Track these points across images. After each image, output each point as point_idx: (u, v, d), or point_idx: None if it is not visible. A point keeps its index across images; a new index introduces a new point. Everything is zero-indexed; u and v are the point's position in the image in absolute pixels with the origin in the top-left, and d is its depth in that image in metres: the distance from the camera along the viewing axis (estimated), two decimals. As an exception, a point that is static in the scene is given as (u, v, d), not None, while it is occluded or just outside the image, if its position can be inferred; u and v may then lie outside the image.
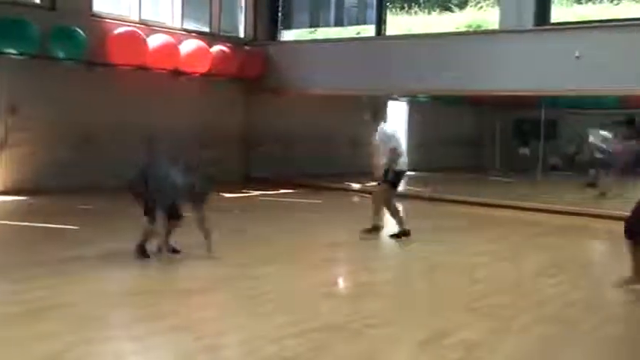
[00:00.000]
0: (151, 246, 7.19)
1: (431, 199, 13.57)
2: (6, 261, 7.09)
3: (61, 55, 12.04)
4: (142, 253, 7.07)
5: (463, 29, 15.57)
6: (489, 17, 15.30)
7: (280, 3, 16.47)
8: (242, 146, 15.83)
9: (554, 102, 18.48)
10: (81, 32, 12.16)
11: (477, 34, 14.62)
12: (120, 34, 12.87)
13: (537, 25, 12.81)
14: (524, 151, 22.24)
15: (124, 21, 13.36)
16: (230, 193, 13.19)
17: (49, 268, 6.65)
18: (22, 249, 7.72)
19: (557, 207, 12.17)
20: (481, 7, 16.07)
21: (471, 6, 16.32)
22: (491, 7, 15.44)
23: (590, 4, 14.55)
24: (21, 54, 11.52)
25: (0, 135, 11.74)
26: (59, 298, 5.63)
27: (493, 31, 13.75)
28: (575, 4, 14.47)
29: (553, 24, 13.00)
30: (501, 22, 13.48)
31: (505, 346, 4.87)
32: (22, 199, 11.29)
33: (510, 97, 15.99)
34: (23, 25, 11.44)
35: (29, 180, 11.86)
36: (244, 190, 13.92)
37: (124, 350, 4.58)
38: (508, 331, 5.20)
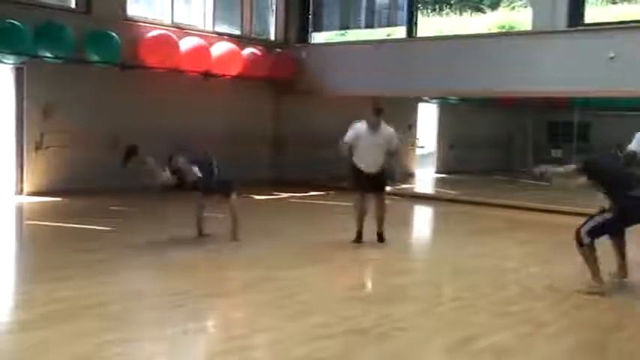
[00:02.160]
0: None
1: (461, 202, 13.47)
2: (40, 261, 7.23)
3: (95, 58, 12.23)
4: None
5: (495, 30, 15.46)
6: (522, 18, 15.17)
7: (311, 5, 16.51)
8: (272, 148, 15.90)
9: (588, 103, 18.24)
10: (115, 36, 12.34)
11: (510, 35, 14.49)
12: (153, 38, 13.03)
13: (571, 25, 12.66)
14: (557, 153, 21.98)
15: (157, 24, 13.53)
16: (260, 194, 13.26)
17: (82, 268, 6.76)
18: (56, 249, 7.86)
19: (593, 210, 11.94)
20: (513, 8, 15.94)
21: (503, 7, 16.20)
22: (524, 7, 15.31)
23: (625, 3, 14.35)
24: (56, 58, 11.72)
25: (35, 137, 11.96)
26: (93, 298, 5.72)
27: (526, 32, 13.63)
28: (610, 4, 14.27)
29: (587, 24, 12.82)
30: (534, 22, 13.35)
31: (536, 353, 4.82)
32: (57, 200, 11.48)
33: (543, 98, 15.82)
34: (59, 30, 11.65)
35: (63, 181, 12.06)
36: (274, 192, 13.99)
37: (155, 351, 4.64)
38: (540, 337, 5.15)
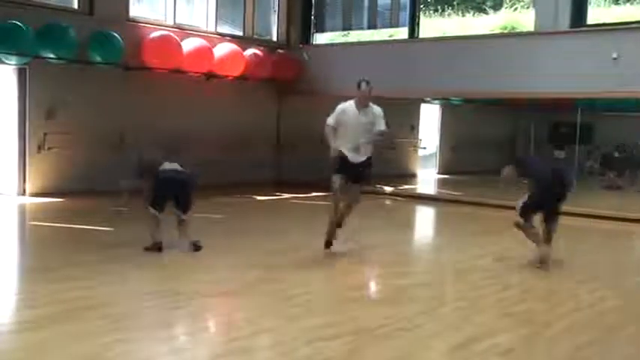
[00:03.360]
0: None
1: (463, 203, 13.46)
2: (44, 262, 7.24)
3: (98, 59, 12.25)
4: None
5: (498, 31, 15.46)
6: (524, 19, 15.18)
7: (313, 6, 16.52)
8: (274, 149, 15.91)
9: (591, 105, 18.20)
10: (118, 37, 12.36)
11: (512, 36, 14.50)
12: (155, 39, 13.05)
13: (574, 26, 12.66)
14: (560, 154, 21.94)
15: (159, 25, 13.55)
16: (261, 195, 13.27)
17: (86, 268, 6.78)
18: (59, 250, 7.88)
19: (597, 211, 11.95)
20: (516, 9, 15.94)
21: (505, 8, 16.20)
22: (526, 8, 15.31)
23: (628, 4, 14.35)
24: (59, 59, 11.74)
25: (38, 138, 11.98)
26: (96, 298, 5.74)
27: (528, 33, 13.62)
28: (613, 5, 14.27)
29: (590, 25, 12.83)
30: (537, 23, 13.34)
31: (539, 353, 4.83)
32: (59, 201, 11.50)
33: (546, 99, 15.82)
34: (61, 30, 11.67)
35: (66, 182, 12.08)
36: (276, 193, 13.99)
37: (158, 351, 4.65)
38: (542, 338, 5.16)
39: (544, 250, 7.55)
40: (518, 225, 7.81)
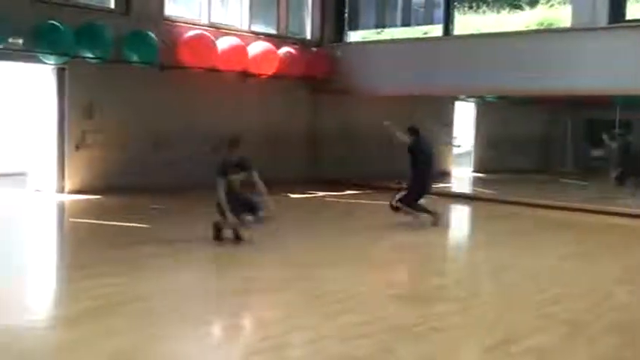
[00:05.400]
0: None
1: (499, 201, 13.30)
2: (81, 258, 7.34)
3: (134, 58, 12.38)
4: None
5: (534, 28, 15.24)
6: (561, 15, 14.93)
7: (347, 4, 16.48)
8: (308, 147, 15.91)
9: (629, 102, 17.84)
10: (153, 36, 12.47)
11: (549, 32, 14.26)
12: (190, 38, 13.14)
13: (612, 22, 12.40)
14: (597, 152, 21.56)
15: (194, 24, 13.64)
16: (296, 193, 13.28)
17: (122, 265, 6.85)
18: (96, 247, 7.97)
19: (633, 210, 11.73)
20: (552, 5, 15.70)
21: (541, 4, 15.96)
22: (563, 4, 15.06)
23: (668, -1, 14.03)
24: (97, 58, 11.89)
25: (77, 136, 12.16)
26: (130, 294, 5.79)
27: (565, 29, 13.40)
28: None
29: (629, 21, 12.56)
30: (574, 19, 13.11)
31: (577, 354, 4.73)
32: (97, 198, 11.66)
33: (583, 96, 15.55)
34: (99, 30, 11.81)
35: (103, 179, 12.24)
36: (310, 191, 13.98)
37: (192, 348, 4.66)
38: (581, 339, 5.05)
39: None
40: (401, 210, 9.61)
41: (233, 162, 7.90)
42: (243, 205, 7.79)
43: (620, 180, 14.72)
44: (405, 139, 9.75)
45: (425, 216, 9.82)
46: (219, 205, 7.78)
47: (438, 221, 9.86)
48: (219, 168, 7.83)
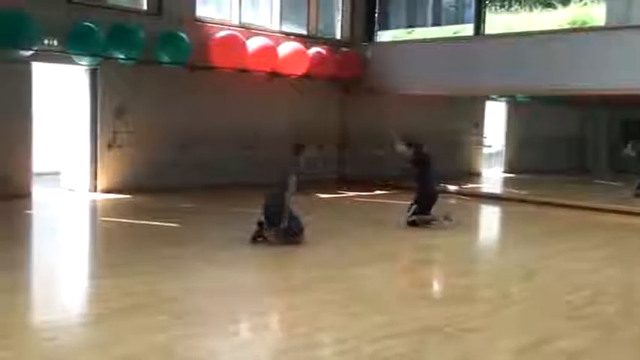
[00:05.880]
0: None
1: (530, 202, 13.16)
2: (113, 257, 7.44)
3: (166, 59, 12.50)
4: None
5: (566, 26, 15.05)
6: (594, 13, 14.74)
7: (377, 4, 16.45)
8: (338, 147, 15.90)
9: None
10: (185, 37, 12.58)
11: (582, 31, 14.07)
12: (221, 38, 13.23)
13: (647, 20, 12.22)
14: (629, 152, 21.18)
15: (225, 25, 13.73)
16: (325, 193, 13.29)
17: (151, 264, 6.92)
18: (128, 245, 8.08)
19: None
20: (585, 4, 15.49)
21: (574, 2, 15.76)
22: (597, 2, 14.86)
23: None
24: (129, 59, 12.04)
25: (109, 136, 12.32)
26: (162, 293, 5.85)
27: (599, 28, 13.21)
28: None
29: (664, 19, 12.36)
30: (608, 18, 12.93)
31: (609, 358, 4.67)
32: (129, 197, 11.80)
33: (617, 96, 15.32)
34: (131, 32, 11.96)
35: (134, 179, 12.37)
36: (339, 191, 13.98)
37: (222, 346, 4.71)
38: (614, 342, 4.98)
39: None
40: (417, 222, 9.62)
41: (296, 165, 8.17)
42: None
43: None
44: (404, 150, 10.05)
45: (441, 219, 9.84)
46: (275, 205, 7.85)
47: (450, 220, 9.88)
48: (294, 168, 8.00)
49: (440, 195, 10.43)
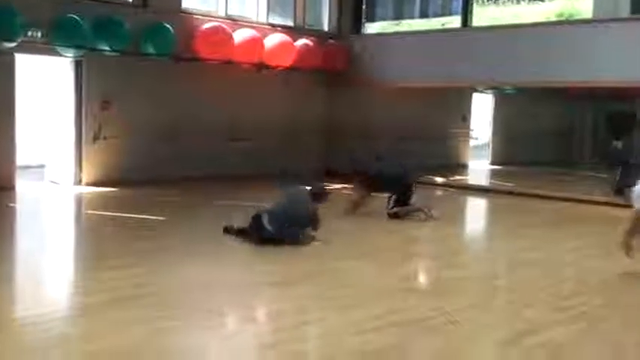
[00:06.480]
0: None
1: (515, 194, 13.23)
2: (98, 250, 7.43)
3: (151, 51, 12.44)
4: None
5: (554, 19, 15.10)
6: (581, 6, 14.80)
7: (364, -5, 16.42)
8: (324, 139, 15.89)
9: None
10: (171, 28, 12.52)
11: (569, 23, 14.12)
12: (207, 30, 13.17)
13: (634, 13, 12.26)
14: (617, 144, 21.35)
15: (211, 16, 13.67)
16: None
17: (139, 257, 6.92)
18: (113, 239, 8.07)
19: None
20: (572, -4, 15.57)
21: (562, -5, 15.84)
22: (584, -5, 14.94)
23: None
24: (114, 51, 11.96)
25: (94, 129, 12.26)
26: (148, 285, 5.86)
27: (586, 20, 13.26)
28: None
29: (651, 11, 12.42)
30: (595, 10, 12.98)
31: (592, 350, 4.72)
32: (114, 190, 11.75)
33: (603, 88, 15.41)
34: (116, 23, 11.88)
35: (119, 172, 12.32)
36: (326, 184, 13.92)
37: (206, 340, 4.71)
38: (598, 334, 5.04)
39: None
40: (398, 214, 9.65)
41: None
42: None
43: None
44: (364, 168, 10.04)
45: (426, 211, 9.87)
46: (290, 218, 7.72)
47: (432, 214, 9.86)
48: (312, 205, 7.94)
49: (418, 185, 10.42)
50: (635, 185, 6.57)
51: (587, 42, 12.42)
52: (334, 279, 6.39)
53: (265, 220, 7.49)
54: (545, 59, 12.71)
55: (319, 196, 8.05)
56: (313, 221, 7.76)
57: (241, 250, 7.55)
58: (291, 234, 7.56)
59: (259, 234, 7.50)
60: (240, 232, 7.76)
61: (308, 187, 8.05)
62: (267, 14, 14.90)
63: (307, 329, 5.00)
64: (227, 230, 7.89)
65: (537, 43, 12.99)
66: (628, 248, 6.59)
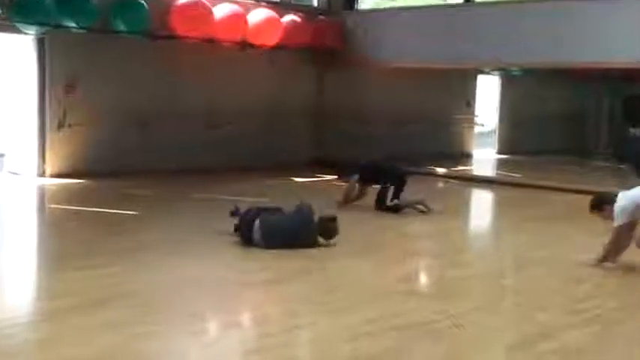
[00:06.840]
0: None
1: (524, 186, 13.26)
2: (65, 248, 7.38)
3: (122, 28, 12.34)
4: None
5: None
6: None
7: (357, -33, 16.38)
8: (314, 124, 15.85)
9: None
10: (144, 3, 12.43)
11: (580, 0, 14.12)
12: (184, 5, 13.08)
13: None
14: (636, 131, 21.43)
15: (188, -10, 13.57)
16: (300, 177, 13.27)
17: (110, 256, 6.88)
18: (81, 235, 8.02)
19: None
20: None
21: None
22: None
23: None
24: (80, 28, 11.86)
25: (58, 114, 12.17)
26: (120, 287, 5.83)
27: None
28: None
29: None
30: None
31: (608, 355, 4.74)
32: (81, 182, 11.69)
33: (619, 70, 15.44)
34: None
35: (86, 162, 12.24)
36: (316, 174, 13.91)
37: (187, 346, 4.69)
38: (615, 338, 5.06)
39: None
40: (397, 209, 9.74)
41: None
42: None
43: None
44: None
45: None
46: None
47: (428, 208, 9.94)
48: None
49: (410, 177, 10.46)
50: None
51: (601, 19, 12.43)
52: (327, 278, 6.38)
53: (256, 226, 7.40)
54: (555, 38, 12.71)
55: (327, 229, 7.61)
56: (327, 230, 7.60)
57: (224, 246, 7.51)
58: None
59: (249, 235, 7.42)
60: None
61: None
62: (251, -13, 14.82)
63: (297, 334, 4.98)
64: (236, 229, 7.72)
65: (546, 20, 12.99)
66: (610, 260, 6.90)
